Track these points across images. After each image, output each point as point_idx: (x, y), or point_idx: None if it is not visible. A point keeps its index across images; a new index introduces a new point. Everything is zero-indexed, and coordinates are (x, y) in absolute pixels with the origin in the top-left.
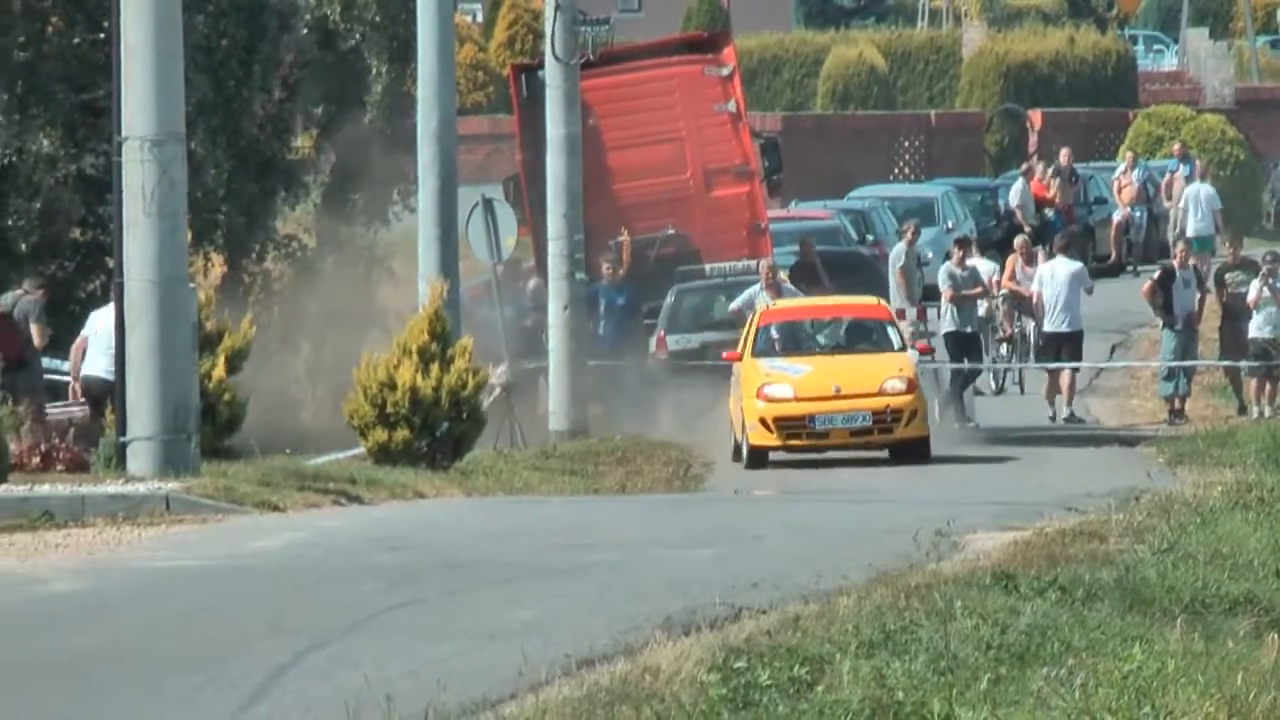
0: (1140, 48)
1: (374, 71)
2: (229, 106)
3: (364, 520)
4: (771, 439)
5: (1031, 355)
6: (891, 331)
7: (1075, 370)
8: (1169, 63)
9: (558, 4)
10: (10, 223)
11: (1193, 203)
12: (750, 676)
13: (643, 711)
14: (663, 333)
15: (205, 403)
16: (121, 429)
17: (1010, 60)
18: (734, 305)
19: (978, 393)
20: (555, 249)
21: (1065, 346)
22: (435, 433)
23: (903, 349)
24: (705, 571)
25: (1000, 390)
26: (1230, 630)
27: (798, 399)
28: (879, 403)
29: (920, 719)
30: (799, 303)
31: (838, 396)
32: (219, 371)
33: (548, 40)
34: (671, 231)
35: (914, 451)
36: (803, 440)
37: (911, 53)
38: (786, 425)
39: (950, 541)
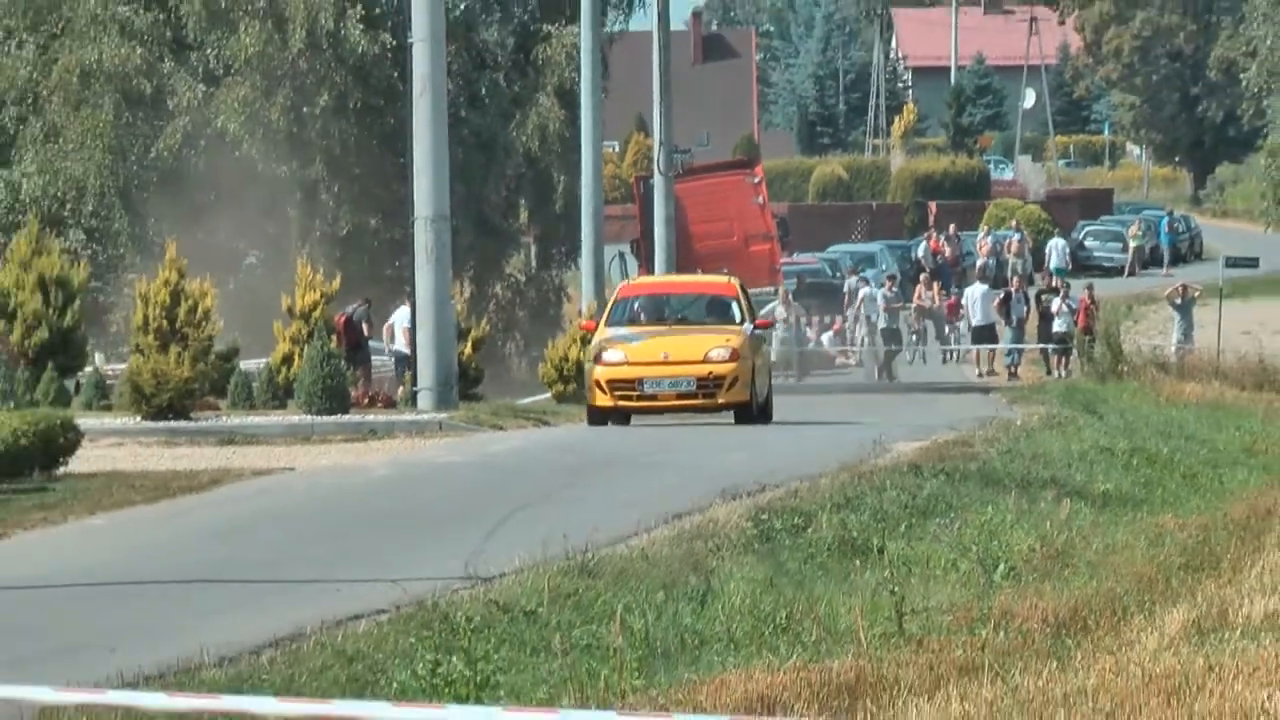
0: (991, 166)
1: (557, 178)
2: (475, 198)
3: (551, 435)
4: (606, 400)
5: (962, 342)
6: (735, 307)
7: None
8: (1008, 174)
9: (661, 141)
10: (353, 268)
11: (1055, 250)
12: (770, 523)
13: (709, 543)
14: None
15: (460, 368)
16: (414, 382)
17: (917, 173)
18: (760, 315)
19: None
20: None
21: (985, 334)
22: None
23: (743, 323)
24: (741, 466)
25: (911, 362)
26: (1042, 497)
27: (629, 364)
28: (703, 370)
29: (867, 549)
30: (655, 279)
31: (665, 363)
32: (468, 350)
33: (655, 162)
34: (725, 271)
35: (742, 415)
36: (633, 402)
37: (862, 169)
38: (619, 387)
39: (883, 447)
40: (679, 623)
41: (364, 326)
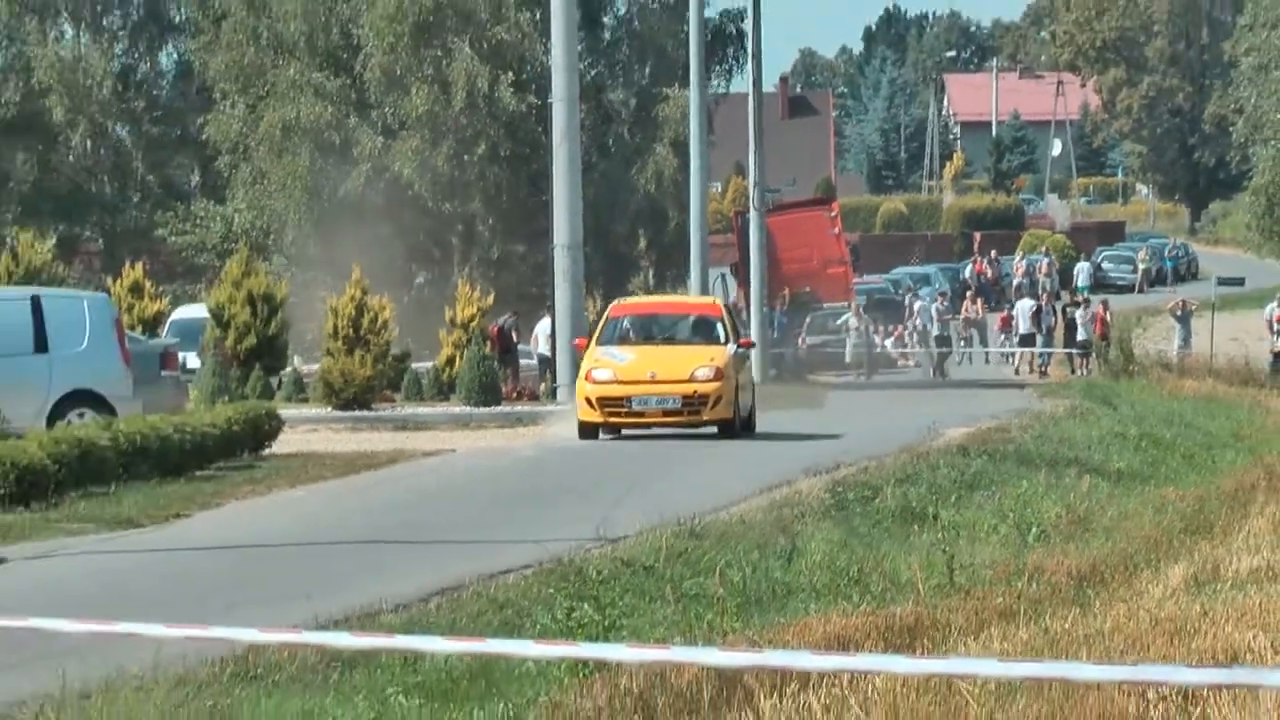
0: (1025, 203)
1: (670, 213)
2: (603, 229)
3: None
4: (595, 416)
5: (1009, 345)
6: (720, 327)
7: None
8: (1039, 209)
9: (755, 183)
10: (504, 287)
11: (1082, 272)
12: (844, 494)
13: (794, 510)
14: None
15: None
16: (554, 380)
17: (964, 209)
18: (838, 322)
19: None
20: (755, 299)
21: (1029, 341)
22: None
23: (727, 342)
24: (817, 449)
25: (959, 363)
26: (1067, 474)
27: (618, 381)
28: (688, 388)
29: (924, 516)
30: (644, 300)
31: (653, 381)
32: None
33: (750, 200)
34: (807, 290)
35: (725, 430)
36: (622, 418)
37: (919, 205)
38: (607, 404)
39: (937, 433)
40: (769, 575)
41: (513, 334)
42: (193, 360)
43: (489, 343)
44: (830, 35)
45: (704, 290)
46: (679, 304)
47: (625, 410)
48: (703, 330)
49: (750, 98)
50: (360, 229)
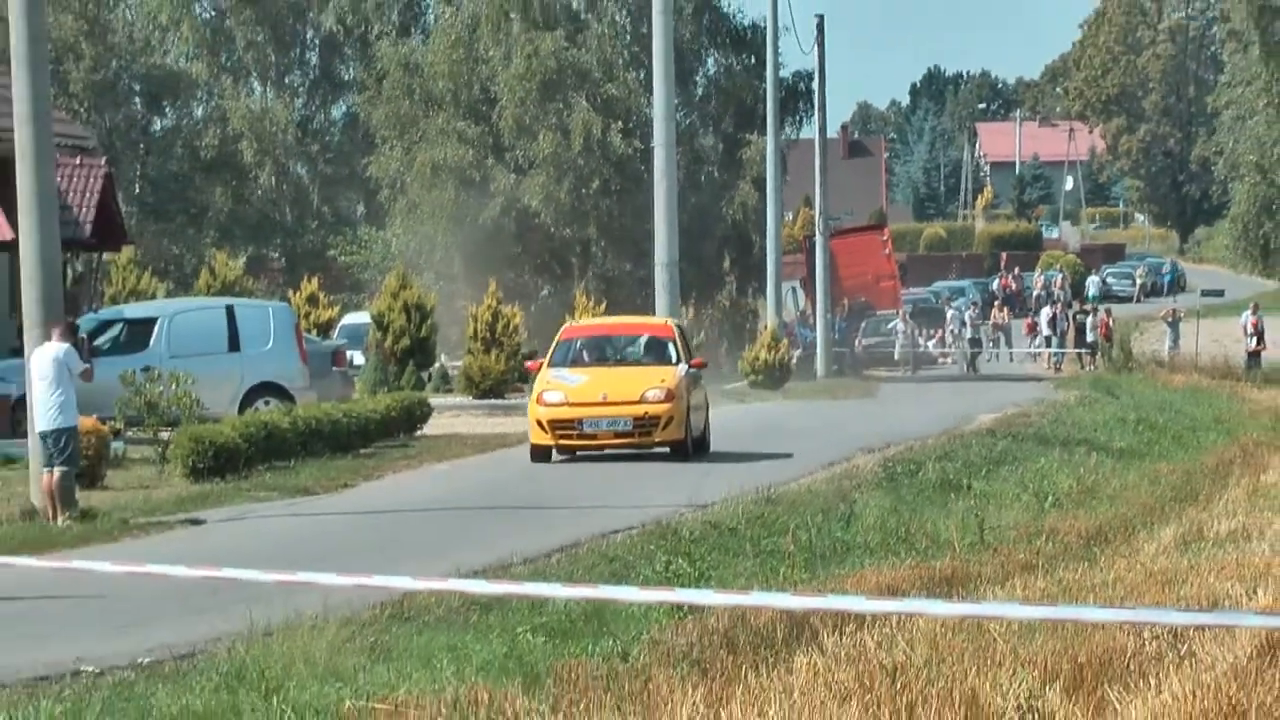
0: (1043, 228)
1: (751, 237)
2: (695, 250)
3: (746, 409)
4: (547, 438)
5: (1032, 346)
6: (672, 348)
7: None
8: (1054, 234)
9: (820, 212)
10: (614, 298)
11: (1093, 285)
12: (894, 468)
13: (852, 481)
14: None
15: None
16: None
17: (993, 233)
18: (888, 326)
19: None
20: (821, 307)
21: (1049, 343)
22: (774, 375)
23: (679, 363)
24: (872, 430)
25: (989, 360)
26: (1077, 452)
27: (569, 404)
28: (639, 410)
29: (959, 486)
30: (597, 321)
31: (604, 403)
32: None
33: (816, 226)
34: (863, 299)
35: (677, 451)
36: (573, 440)
37: (955, 230)
38: (559, 427)
39: (970, 418)
40: (831, 535)
41: None
42: (358, 358)
43: None
44: (882, 90)
45: (776, 300)
46: (631, 325)
47: (576, 433)
48: (654, 351)
49: (816, 143)
50: (495, 250)
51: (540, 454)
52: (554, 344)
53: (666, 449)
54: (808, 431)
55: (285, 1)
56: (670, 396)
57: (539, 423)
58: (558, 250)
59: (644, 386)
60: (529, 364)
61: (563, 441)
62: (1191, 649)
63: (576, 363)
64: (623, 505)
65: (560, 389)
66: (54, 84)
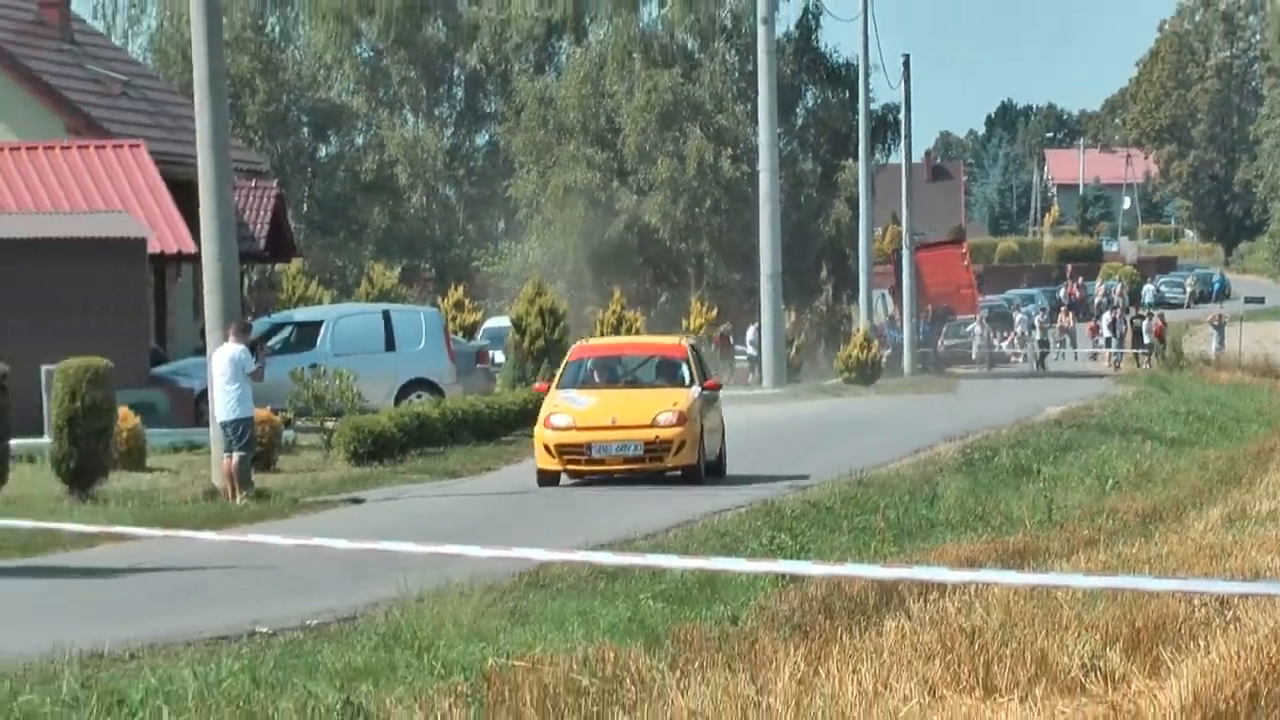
0: (1103, 242)
1: (845, 251)
2: (796, 262)
3: (840, 404)
4: (554, 463)
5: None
6: (685, 369)
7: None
8: (1114, 248)
9: (906, 228)
10: (725, 304)
11: (1149, 293)
12: (972, 455)
13: (935, 466)
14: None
15: (787, 362)
16: (760, 370)
17: (1059, 247)
18: (966, 329)
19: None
20: (907, 312)
21: (1109, 344)
22: (866, 372)
23: (692, 384)
24: (953, 421)
25: (1056, 360)
26: (1134, 440)
27: (578, 428)
28: (650, 434)
29: (1030, 470)
30: (608, 341)
31: (613, 427)
32: (793, 351)
33: (903, 240)
34: (944, 305)
35: (690, 477)
36: (581, 465)
37: (1026, 244)
38: (567, 451)
39: (1039, 410)
40: (917, 513)
41: (730, 338)
42: (499, 356)
43: (714, 344)
44: (962, 120)
45: (868, 305)
46: (643, 345)
47: (585, 458)
48: (666, 372)
49: (903, 168)
50: (619, 262)
51: (547, 479)
52: (563, 364)
53: (679, 473)
54: (896, 422)
55: (435, 43)
56: (683, 420)
57: (546, 447)
58: (674, 262)
59: (655, 410)
60: (537, 385)
61: (570, 467)
62: (1236, 615)
63: (586, 384)
64: (731, 486)
65: (568, 412)
66: (232, 116)
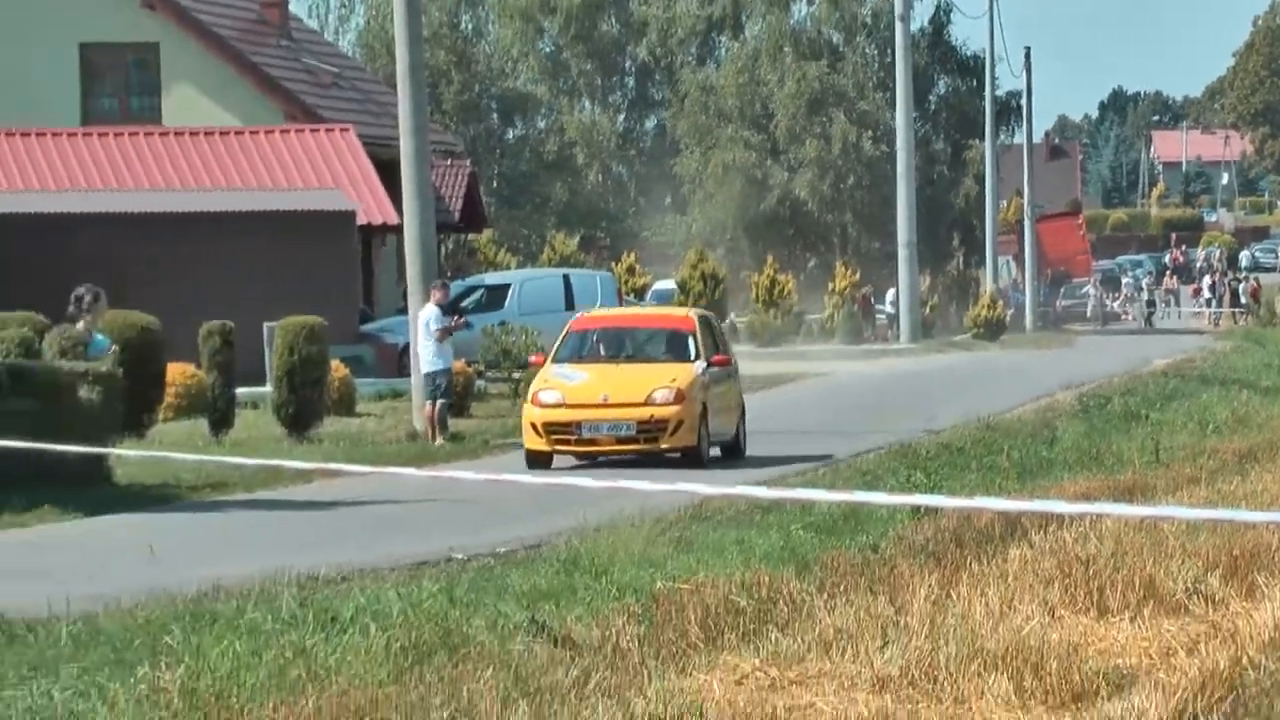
0: (1204, 214)
1: (973, 222)
2: (930, 231)
3: (969, 357)
4: (542, 444)
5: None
6: (691, 342)
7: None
8: (1213, 218)
9: (1028, 201)
10: (866, 269)
11: (1246, 258)
12: (1087, 401)
13: (1054, 412)
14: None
15: (923, 319)
16: (899, 326)
17: (1165, 217)
18: (1082, 291)
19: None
20: (1029, 275)
21: (1210, 304)
22: (992, 329)
23: (696, 359)
24: (1069, 373)
25: (1163, 318)
26: (1233, 389)
27: (567, 405)
28: (644, 413)
29: (1139, 416)
30: (610, 312)
31: (605, 405)
32: (927, 310)
33: (1026, 213)
34: (1062, 269)
35: (691, 459)
36: (571, 446)
37: (1135, 215)
38: (555, 430)
39: (1147, 363)
40: (1037, 454)
41: (871, 299)
42: None
43: (856, 304)
44: (1077, 105)
45: (995, 269)
46: (647, 317)
47: (575, 438)
48: (672, 346)
49: (1024, 147)
50: (772, 231)
51: (537, 460)
52: (561, 336)
53: (678, 455)
54: (1018, 373)
55: (609, 38)
56: (680, 398)
57: (533, 426)
58: (820, 231)
59: (651, 386)
60: (533, 358)
61: (560, 447)
62: None
63: (581, 358)
64: (873, 430)
65: (558, 388)
66: (430, 103)
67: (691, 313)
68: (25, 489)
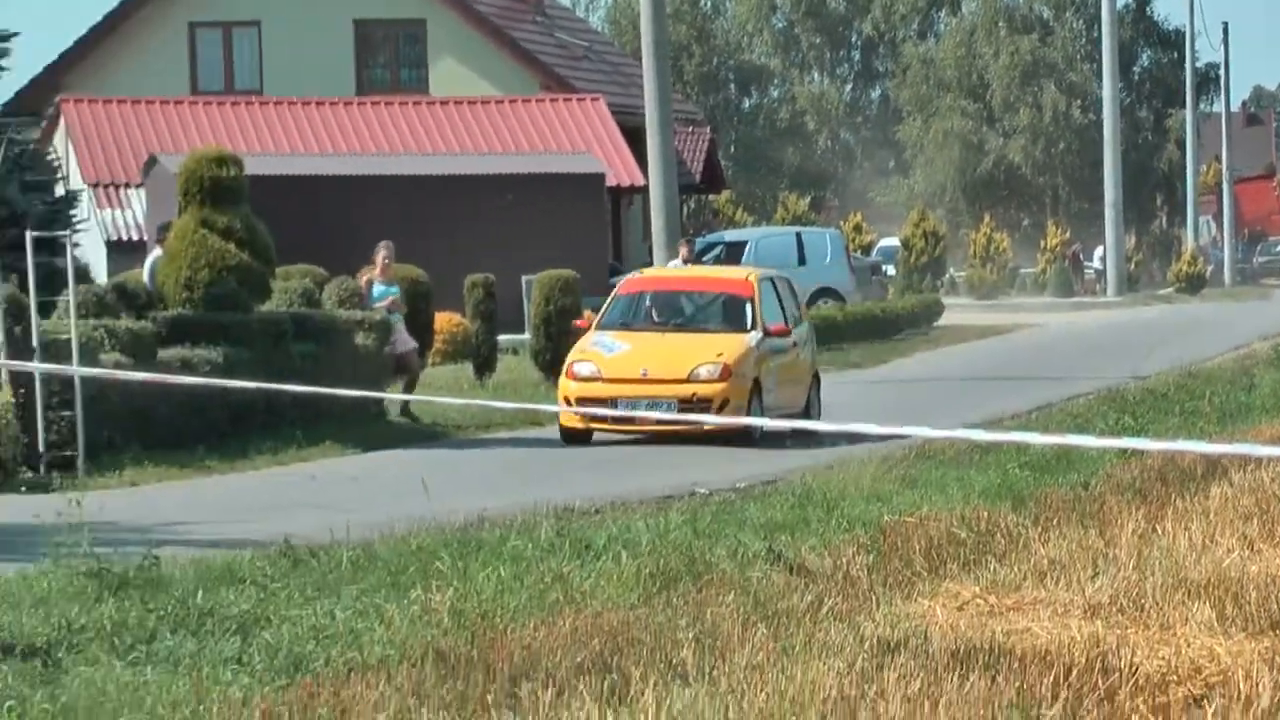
0: None
1: (1175, 184)
2: (1133, 194)
3: (1175, 308)
4: (576, 421)
5: None
6: (749, 309)
7: None
8: None
9: (1227, 165)
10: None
11: None
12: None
13: (1252, 360)
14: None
15: (1129, 275)
16: (1105, 280)
17: None
18: (1277, 248)
19: None
20: (1227, 234)
21: None
22: (1193, 284)
23: (752, 329)
24: (1265, 324)
25: None
26: None
27: (604, 380)
28: (685, 390)
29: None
30: (664, 273)
31: (644, 380)
32: (1132, 267)
33: (1224, 176)
34: (1259, 228)
35: (742, 439)
36: (606, 423)
37: None
38: (589, 406)
39: (1243, 343)
40: (1236, 399)
41: (1080, 256)
42: (890, 270)
43: (1067, 260)
44: (1273, 75)
45: (1196, 229)
46: (703, 279)
47: (610, 416)
48: (727, 313)
49: (1222, 116)
50: (988, 193)
51: (574, 438)
52: (609, 299)
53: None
54: (1218, 324)
55: (837, 14)
56: (727, 374)
57: (567, 400)
58: (1033, 193)
59: (695, 361)
60: (578, 321)
61: (594, 424)
62: None
63: (627, 325)
64: (1084, 376)
65: (595, 360)
66: (672, 74)
67: (752, 275)
68: (308, 427)
